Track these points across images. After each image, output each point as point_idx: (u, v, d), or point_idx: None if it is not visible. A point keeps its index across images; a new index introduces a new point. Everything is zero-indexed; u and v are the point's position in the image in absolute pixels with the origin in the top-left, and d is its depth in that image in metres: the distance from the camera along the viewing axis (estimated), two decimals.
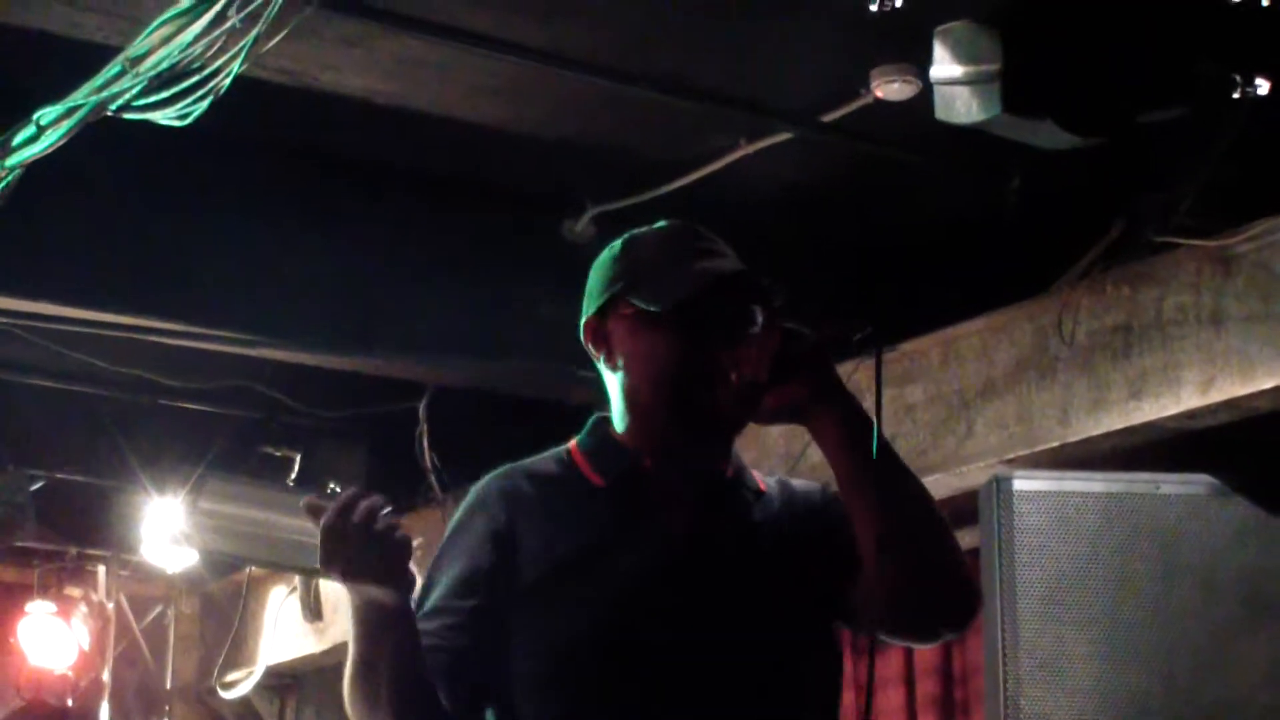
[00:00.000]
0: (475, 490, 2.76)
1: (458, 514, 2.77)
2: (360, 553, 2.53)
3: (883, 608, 2.65)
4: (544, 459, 2.79)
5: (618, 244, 2.79)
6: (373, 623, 2.56)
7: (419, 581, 2.66)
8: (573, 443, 2.79)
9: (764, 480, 2.81)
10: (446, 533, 2.75)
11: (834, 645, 2.76)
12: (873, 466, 2.62)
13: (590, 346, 2.76)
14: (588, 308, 2.77)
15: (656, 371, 2.69)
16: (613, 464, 2.73)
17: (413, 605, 2.64)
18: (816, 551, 2.72)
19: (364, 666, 2.58)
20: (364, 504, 2.57)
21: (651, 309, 2.66)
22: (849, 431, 2.63)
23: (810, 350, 2.61)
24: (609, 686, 2.60)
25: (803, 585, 2.70)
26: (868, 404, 2.66)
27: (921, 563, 2.64)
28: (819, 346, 2.62)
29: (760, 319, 2.66)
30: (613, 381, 2.76)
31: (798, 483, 2.86)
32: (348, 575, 2.56)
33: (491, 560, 2.65)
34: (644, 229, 2.84)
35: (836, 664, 2.76)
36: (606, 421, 2.78)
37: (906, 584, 2.62)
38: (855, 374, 2.66)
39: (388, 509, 2.59)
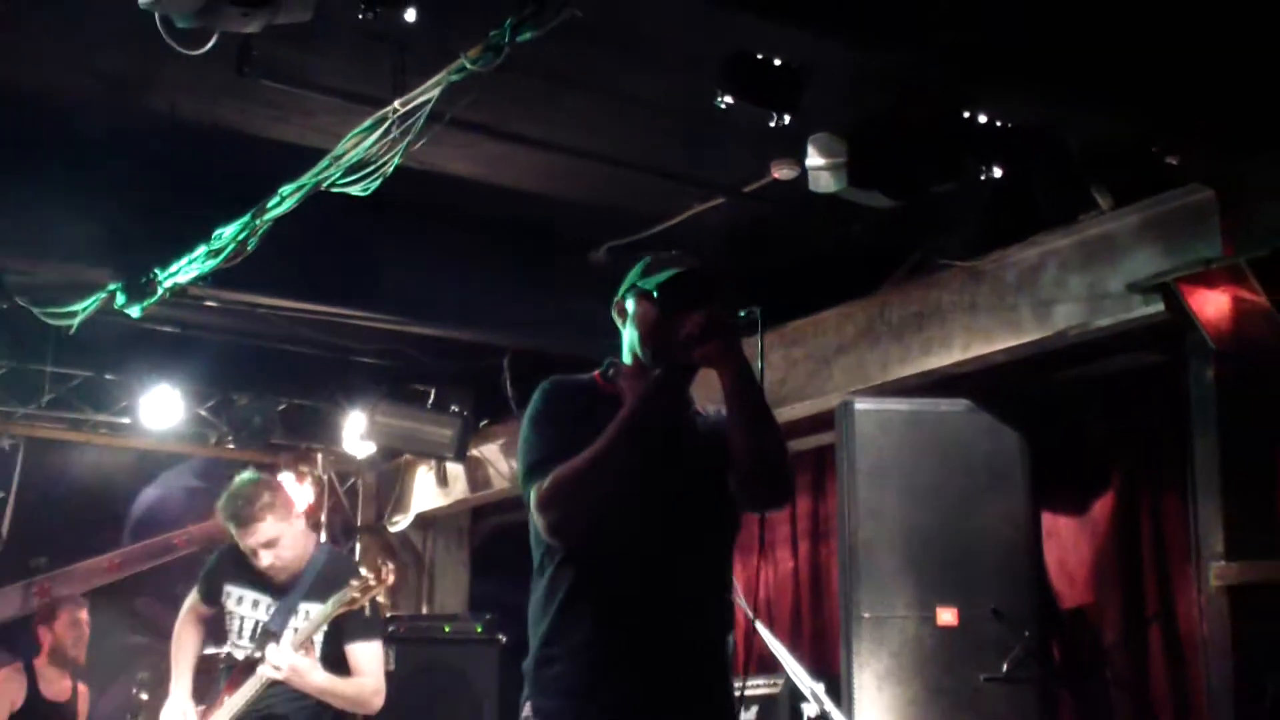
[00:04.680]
0: (551, 385, 2.67)
1: (542, 399, 2.65)
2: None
3: (738, 488, 2.58)
4: (579, 377, 2.74)
5: (644, 260, 2.73)
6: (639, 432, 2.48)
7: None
8: (595, 372, 2.74)
9: (705, 408, 2.74)
10: (537, 409, 2.63)
11: (736, 517, 2.67)
12: (747, 403, 2.54)
13: (615, 315, 2.74)
14: (617, 296, 2.74)
15: (644, 324, 2.66)
16: (615, 385, 2.68)
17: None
18: (720, 447, 2.63)
19: (614, 457, 2.47)
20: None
21: (645, 290, 2.66)
22: (735, 381, 2.54)
23: (722, 325, 2.51)
24: (607, 517, 2.51)
25: (714, 468, 2.61)
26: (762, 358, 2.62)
27: (764, 462, 2.55)
28: (726, 324, 2.52)
29: (699, 299, 2.57)
30: (627, 333, 2.72)
31: (715, 410, 2.74)
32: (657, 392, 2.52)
33: (574, 425, 2.56)
34: (661, 253, 2.77)
35: (735, 528, 2.70)
36: (615, 361, 2.73)
37: (754, 475, 2.55)
38: (766, 337, 2.59)
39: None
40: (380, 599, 4.45)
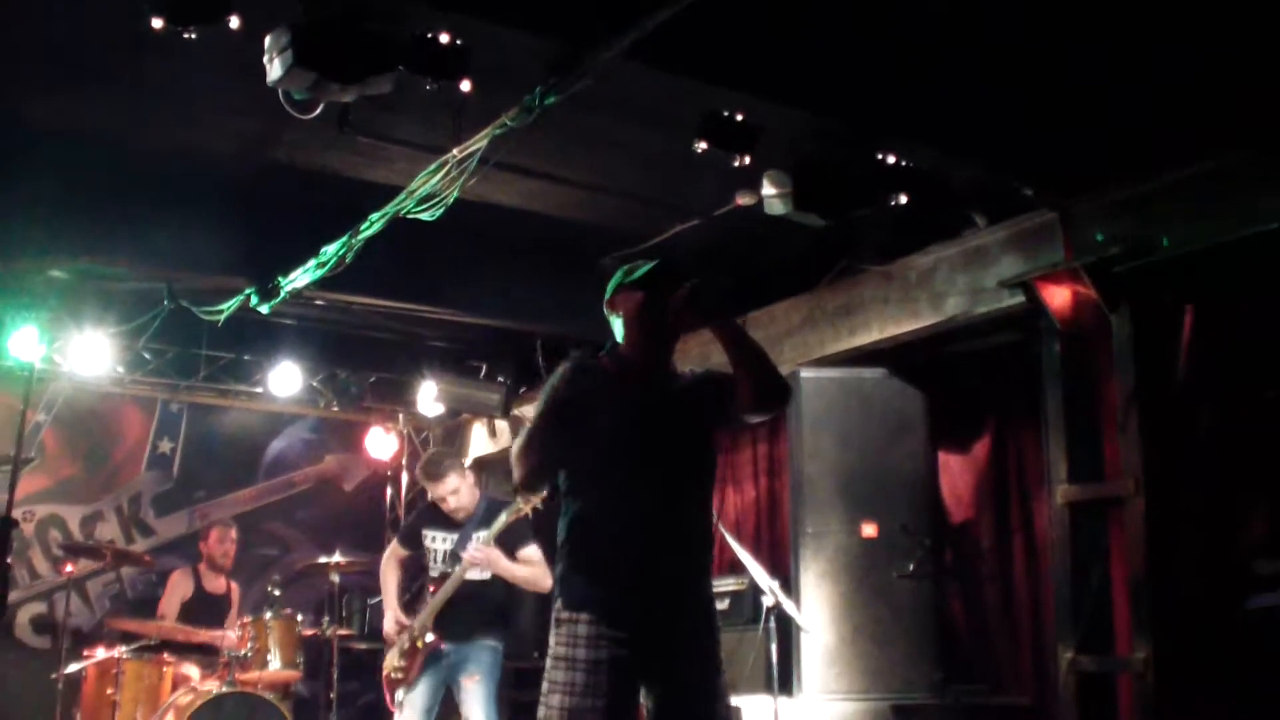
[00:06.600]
0: (564, 365, 2.62)
1: (557, 372, 2.60)
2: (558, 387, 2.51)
3: (747, 401, 2.53)
4: (589, 358, 2.66)
5: (622, 269, 2.70)
6: (553, 414, 2.51)
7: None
8: (602, 353, 2.66)
9: (680, 371, 2.68)
10: (550, 380, 2.59)
11: (714, 456, 2.68)
12: (743, 342, 2.53)
13: (607, 310, 2.66)
14: (606, 295, 2.68)
15: (635, 312, 2.60)
16: (616, 361, 2.62)
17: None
18: (703, 396, 2.60)
19: (539, 432, 2.50)
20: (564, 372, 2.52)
21: (632, 284, 2.61)
22: (728, 329, 2.52)
23: (703, 291, 2.48)
24: (612, 461, 2.54)
25: (698, 417, 2.59)
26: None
27: (765, 379, 2.53)
28: (708, 289, 2.48)
29: (676, 280, 2.54)
30: (617, 325, 2.64)
31: (692, 369, 2.72)
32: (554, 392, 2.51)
33: (569, 399, 2.55)
34: (631, 263, 2.77)
35: (714, 466, 2.70)
36: (617, 345, 2.66)
37: (759, 388, 2.52)
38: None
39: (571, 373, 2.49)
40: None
